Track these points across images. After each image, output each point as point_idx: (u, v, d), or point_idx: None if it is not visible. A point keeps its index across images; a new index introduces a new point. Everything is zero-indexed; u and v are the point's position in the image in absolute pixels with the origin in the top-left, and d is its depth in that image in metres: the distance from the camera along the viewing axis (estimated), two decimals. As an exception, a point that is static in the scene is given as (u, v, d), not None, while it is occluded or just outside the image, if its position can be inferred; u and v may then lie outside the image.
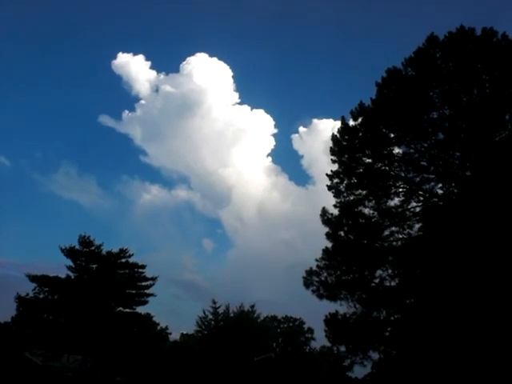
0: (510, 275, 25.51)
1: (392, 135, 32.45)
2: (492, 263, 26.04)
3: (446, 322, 27.04)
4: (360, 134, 32.76)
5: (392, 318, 32.31)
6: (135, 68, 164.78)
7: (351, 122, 33.09)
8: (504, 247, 25.94)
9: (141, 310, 61.77)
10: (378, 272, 32.43)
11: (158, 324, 74.48)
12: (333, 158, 33.58)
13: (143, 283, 61.15)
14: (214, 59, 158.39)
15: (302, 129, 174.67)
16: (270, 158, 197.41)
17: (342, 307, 32.89)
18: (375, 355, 32.77)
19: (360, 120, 32.73)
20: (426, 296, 29.06)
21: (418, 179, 31.99)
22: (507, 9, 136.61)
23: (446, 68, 31.27)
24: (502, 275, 25.64)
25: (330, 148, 33.63)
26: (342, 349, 33.67)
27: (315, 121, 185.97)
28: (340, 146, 33.23)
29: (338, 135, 33.38)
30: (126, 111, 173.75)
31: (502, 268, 25.74)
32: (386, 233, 32.55)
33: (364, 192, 32.84)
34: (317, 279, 33.53)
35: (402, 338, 31.21)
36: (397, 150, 32.39)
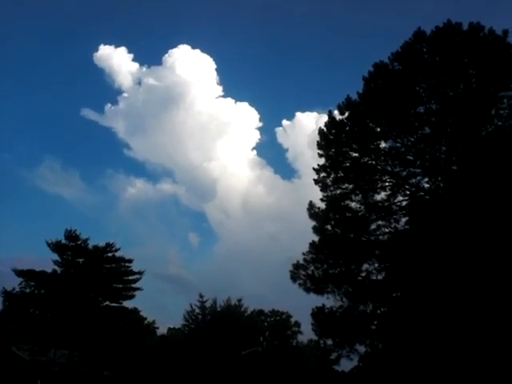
0: (495, 268, 25.71)
1: (379, 129, 32.57)
2: (478, 256, 26.23)
3: (432, 315, 27.22)
4: (347, 128, 32.81)
5: (378, 312, 32.48)
6: (117, 60, 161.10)
7: (338, 116, 33.14)
8: (490, 240, 26.12)
9: (128, 304, 61.71)
10: (365, 266, 32.56)
11: (146, 318, 74.46)
12: (319, 152, 33.59)
13: (130, 277, 61.03)
14: (197, 51, 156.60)
15: (285, 122, 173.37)
16: (254, 152, 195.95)
17: (329, 301, 33.00)
18: (362, 348, 32.91)
19: (347, 114, 32.76)
20: (412, 289, 29.23)
21: (404, 173, 32.12)
22: (494, 4, 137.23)
23: (433, 63, 31.40)
24: (488, 268, 25.83)
25: (317, 142, 33.64)
26: (329, 342, 33.82)
27: (298, 114, 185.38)
28: (327, 140, 33.25)
29: (324, 129, 33.40)
30: (109, 104, 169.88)
31: (487, 261, 25.93)
32: (373, 227, 32.68)
33: (351, 186, 32.90)
34: (304, 273, 33.59)
35: (388, 332, 31.38)
36: (383, 145, 32.53)
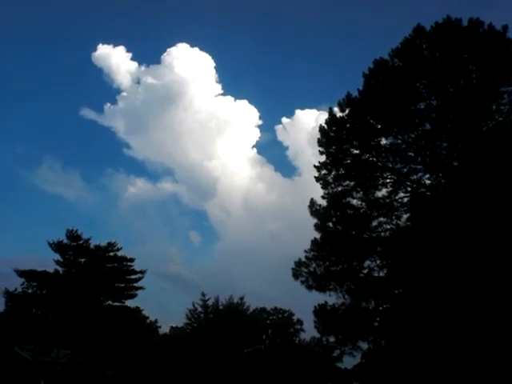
0: (497, 264, 25.70)
1: (379, 126, 32.53)
2: (480, 252, 26.21)
3: (434, 311, 27.21)
4: (347, 125, 32.78)
5: (381, 308, 32.49)
6: (116, 60, 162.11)
7: (338, 113, 33.13)
8: (492, 236, 26.10)
9: (130, 303, 61.85)
10: (367, 262, 32.59)
11: (148, 317, 74.67)
12: (320, 149, 33.57)
13: (132, 276, 61.13)
14: (196, 49, 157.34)
15: (285, 119, 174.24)
16: (255, 150, 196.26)
17: (331, 298, 33.05)
18: (364, 345, 32.97)
19: (347, 111, 32.76)
20: (414, 286, 29.22)
21: (405, 170, 32.12)
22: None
23: (433, 59, 31.37)
24: (490, 264, 25.82)
25: (318, 139, 33.61)
26: (332, 339, 33.79)
27: (298, 111, 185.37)
28: (328, 138, 33.23)
29: (325, 126, 33.38)
30: (108, 104, 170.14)
31: (489, 257, 25.92)
32: (374, 223, 32.67)
33: (352, 183, 32.88)
34: (306, 270, 33.60)
35: (390, 328, 31.36)
36: (384, 141, 32.55)
